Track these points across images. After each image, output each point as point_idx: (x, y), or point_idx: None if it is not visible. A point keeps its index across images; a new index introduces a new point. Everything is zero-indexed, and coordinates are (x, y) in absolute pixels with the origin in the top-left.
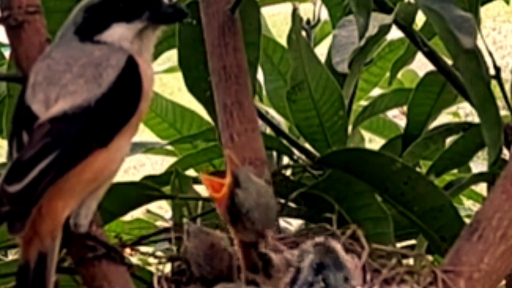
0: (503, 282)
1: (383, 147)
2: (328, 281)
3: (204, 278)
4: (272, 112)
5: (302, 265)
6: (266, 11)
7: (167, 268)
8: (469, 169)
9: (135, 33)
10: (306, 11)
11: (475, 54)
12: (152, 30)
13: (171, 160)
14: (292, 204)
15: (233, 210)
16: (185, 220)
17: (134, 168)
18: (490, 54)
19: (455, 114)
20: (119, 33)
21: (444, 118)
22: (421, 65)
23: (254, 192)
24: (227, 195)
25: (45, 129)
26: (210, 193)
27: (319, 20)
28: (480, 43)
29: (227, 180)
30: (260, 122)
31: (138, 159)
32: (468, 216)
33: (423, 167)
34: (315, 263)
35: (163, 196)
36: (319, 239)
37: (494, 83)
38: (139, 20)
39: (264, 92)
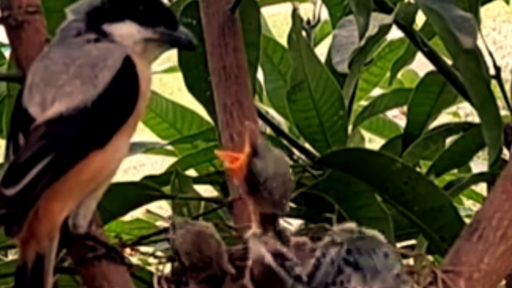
0: (503, 282)
1: (383, 147)
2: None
3: (194, 265)
4: (272, 112)
5: (323, 260)
6: (266, 11)
7: (167, 268)
8: (469, 169)
9: (142, 38)
10: (306, 11)
11: (475, 54)
12: (158, 45)
13: (171, 160)
14: (292, 204)
15: (251, 180)
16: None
17: (134, 168)
18: (490, 54)
19: (455, 114)
20: (128, 32)
21: (444, 118)
22: (421, 65)
23: (271, 162)
24: (246, 165)
25: (41, 131)
26: (227, 165)
27: (319, 20)
28: (480, 43)
29: (246, 150)
30: (260, 122)
31: (138, 159)
32: (468, 216)
33: (423, 167)
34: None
35: (163, 196)
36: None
37: (494, 83)
38: (152, 30)
39: (264, 92)
